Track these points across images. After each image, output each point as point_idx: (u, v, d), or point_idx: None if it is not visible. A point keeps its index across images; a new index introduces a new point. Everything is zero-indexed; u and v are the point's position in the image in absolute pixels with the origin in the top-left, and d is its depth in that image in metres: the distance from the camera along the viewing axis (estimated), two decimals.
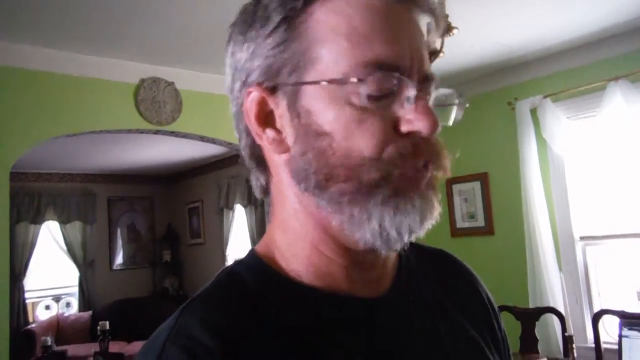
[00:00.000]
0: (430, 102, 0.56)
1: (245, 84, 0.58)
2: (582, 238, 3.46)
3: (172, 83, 3.34)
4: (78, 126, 3.06)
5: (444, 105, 0.61)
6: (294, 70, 0.54)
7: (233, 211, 6.32)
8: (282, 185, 0.59)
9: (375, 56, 0.52)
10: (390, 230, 0.52)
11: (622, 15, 2.91)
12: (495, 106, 3.85)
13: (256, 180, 0.63)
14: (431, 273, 0.69)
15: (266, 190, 0.63)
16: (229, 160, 6.26)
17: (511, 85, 3.78)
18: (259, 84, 0.56)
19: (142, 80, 3.24)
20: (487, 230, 3.88)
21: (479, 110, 3.92)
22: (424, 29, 0.57)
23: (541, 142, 3.55)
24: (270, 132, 0.57)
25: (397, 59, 0.52)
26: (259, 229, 5.76)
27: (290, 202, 0.58)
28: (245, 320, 0.53)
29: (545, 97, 3.50)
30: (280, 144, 0.56)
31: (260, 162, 0.61)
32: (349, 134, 0.52)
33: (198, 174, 7.04)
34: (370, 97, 0.52)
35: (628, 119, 3.10)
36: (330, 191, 0.53)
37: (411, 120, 0.52)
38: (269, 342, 0.52)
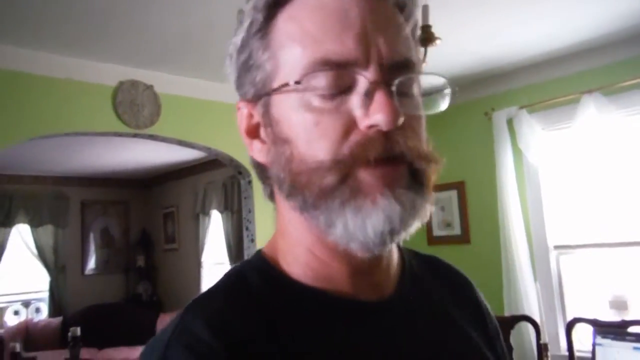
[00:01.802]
0: (394, 89, 0.51)
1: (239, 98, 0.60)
2: (556, 247, 3.52)
3: (151, 86, 3.29)
4: (54, 128, 3.00)
5: (429, 93, 0.59)
6: (266, 80, 0.55)
7: (209, 217, 6.25)
8: (277, 192, 0.60)
9: (322, 54, 0.51)
10: (357, 233, 0.51)
11: (596, 30, 2.98)
12: (473, 116, 3.90)
13: (263, 188, 0.65)
14: (432, 279, 0.69)
15: (271, 197, 0.63)
16: (206, 165, 6.21)
17: (488, 96, 3.83)
18: (246, 98, 0.58)
19: (121, 83, 3.19)
20: (464, 238, 3.92)
21: (456, 120, 3.96)
22: (389, 12, 0.55)
23: (517, 152, 3.60)
24: (257, 144, 0.58)
25: (346, 53, 0.51)
26: (235, 235, 5.71)
27: (285, 209, 0.59)
28: (250, 320, 0.53)
29: (521, 108, 3.56)
30: (266, 155, 0.57)
31: (261, 170, 0.62)
32: (308, 139, 0.52)
33: (174, 179, 6.96)
34: (325, 97, 0.51)
35: (601, 130, 3.17)
36: (298, 198, 0.53)
37: (368, 114, 0.50)
38: (273, 343, 0.52)
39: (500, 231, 3.61)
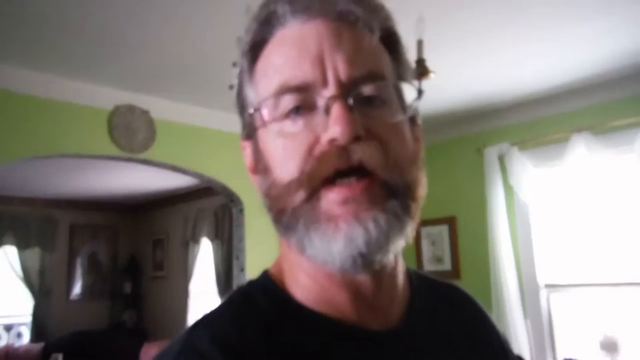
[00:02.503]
0: (351, 101, 0.51)
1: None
2: (546, 285, 3.51)
3: (148, 111, 3.31)
4: (48, 149, 2.99)
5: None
6: (252, 117, 0.58)
7: (199, 245, 6.20)
8: None
9: (281, 81, 0.54)
10: (326, 257, 0.50)
11: (585, 70, 3.04)
12: (465, 152, 3.93)
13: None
14: (444, 309, 0.68)
15: None
16: (198, 193, 6.19)
17: (480, 132, 3.87)
18: (246, 137, 0.62)
19: (117, 107, 3.20)
20: (454, 274, 3.90)
21: (448, 155, 4.00)
22: (349, 30, 0.55)
23: (508, 189, 3.62)
24: (257, 179, 0.60)
25: (302, 76, 0.53)
26: (224, 264, 5.65)
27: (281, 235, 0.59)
28: (256, 341, 0.53)
29: (512, 144, 3.60)
30: (260, 186, 0.59)
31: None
32: (280, 163, 0.54)
33: (165, 206, 6.92)
34: (293, 122, 0.53)
35: (591, 169, 3.20)
36: (279, 223, 0.55)
37: (328, 128, 0.51)
38: None
39: (490, 267, 3.60)
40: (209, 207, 6.01)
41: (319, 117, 0.52)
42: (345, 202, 0.50)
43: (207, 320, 0.56)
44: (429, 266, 4.06)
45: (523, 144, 3.56)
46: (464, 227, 3.94)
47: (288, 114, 0.53)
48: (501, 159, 3.66)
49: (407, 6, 2.03)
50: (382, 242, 0.50)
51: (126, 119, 3.21)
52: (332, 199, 0.51)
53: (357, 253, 0.49)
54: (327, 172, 0.50)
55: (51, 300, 6.51)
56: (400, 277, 0.61)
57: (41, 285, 6.44)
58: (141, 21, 2.35)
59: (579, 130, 3.26)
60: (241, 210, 3.73)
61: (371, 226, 0.49)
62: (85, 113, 3.10)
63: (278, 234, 0.60)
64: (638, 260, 3.11)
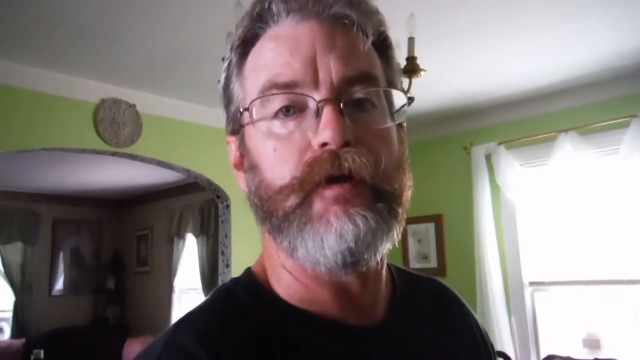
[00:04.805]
0: (342, 105, 0.51)
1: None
2: (531, 283, 3.53)
3: (134, 105, 3.26)
4: (32, 142, 2.93)
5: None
6: (239, 112, 0.58)
7: (184, 240, 6.16)
8: None
9: (270, 77, 0.53)
10: (318, 256, 0.51)
11: (572, 71, 3.06)
12: (452, 150, 3.94)
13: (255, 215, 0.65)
14: (426, 303, 0.68)
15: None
16: (183, 188, 6.14)
17: (467, 131, 3.88)
18: (231, 132, 0.61)
19: (103, 100, 3.15)
20: (440, 271, 3.91)
21: (435, 153, 4.00)
22: (343, 32, 0.55)
23: (495, 188, 3.64)
24: (241, 174, 0.60)
25: (292, 75, 0.53)
26: (209, 260, 5.62)
27: (268, 234, 0.59)
28: (240, 338, 0.52)
29: (499, 143, 3.61)
30: (245, 183, 0.59)
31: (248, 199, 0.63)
32: (270, 165, 0.53)
33: (150, 201, 6.85)
34: (282, 122, 0.53)
35: (576, 168, 3.23)
36: (267, 223, 0.55)
37: (318, 132, 0.51)
38: None
39: (476, 265, 3.61)
40: (195, 203, 5.97)
41: (309, 120, 0.52)
42: (336, 199, 0.51)
43: (191, 317, 0.55)
44: (415, 264, 4.07)
45: (510, 143, 3.58)
46: (450, 225, 3.95)
47: (277, 114, 0.53)
48: (488, 158, 3.68)
49: (396, 4, 2.02)
50: (369, 240, 0.50)
51: (112, 113, 3.16)
52: (325, 195, 0.51)
53: (346, 248, 0.50)
54: (320, 177, 0.51)
55: (33, 296, 6.42)
56: (384, 276, 0.62)
57: (23, 281, 6.35)
58: (128, 15, 2.31)
59: (565, 130, 3.28)
60: (227, 206, 3.70)
61: (360, 222, 0.50)
62: (70, 106, 3.04)
63: (263, 232, 0.60)
64: (620, 259, 3.14)
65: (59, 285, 6.77)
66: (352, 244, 0.50)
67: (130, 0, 2.19)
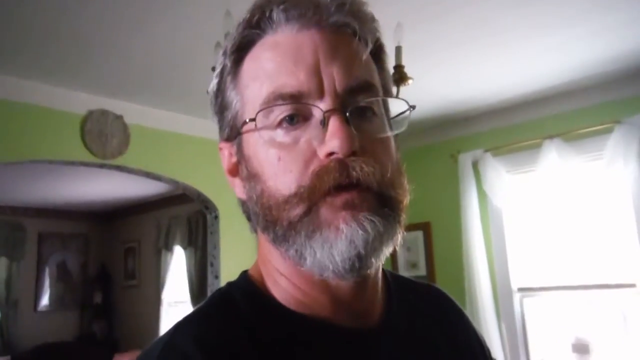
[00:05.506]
0: (348, 114, 0.52)
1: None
2: (520, 289, 3.55)
3: (121, 116, 3.24)
4: (18, 154, 2.89)
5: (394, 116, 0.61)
6: (236, 119, 0.58)
7: (172, 253, 6.11)
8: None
9: (275, 88, 0.53)
10: (327, 262, 0.51)
11: (556, 78, 3.10)
12: (439, 158, 3.96)
13: (249, 223, 0.65)
14: (422, 309, 0.69)
15: (255, 229, 0.64)
16: (171, 200, 6.10)
17: (454, 138, 3.91)
18: (224, 139, 0.61)
19: (90, 112, 3.12)
20: (429, 279, 3.91)
21: (423, 161, 4.02)
22: (344, 41, 0.56)
23: (482, 195, 3.66)
24: (237, 182, 0.60)
25: (298, 85, 0.53)
26: (198, 272, 5.57)
27: (264, 240, 0.59)
28: (237, 340, 0.53)
29: (486, 151, 3.64)
30: (244, 191, 0.59)
31: (244, 207, 0.63)
32: (274, 174, 0.53)
33: (137, 213, 6.80)
34: (286, 132, 0.53)
35: (562, 175, 3.26)
36: (271, 232, 0.55)
37: (325, 141, 0.51)
38: None
39: (464, 272, 3.63)
40: (182, 214, 5.94)
41: (314, 129, 0.53)
42: (345, 204, 0.51)
43: (189, 320, 0.56)
44: (404, 272, 4.07)
45: (496, 151, 3.61)
46: (439, 233, 3.97)
47: (281, 122, 0.53)
48: (475, 165, 3.70)
49: (383, 13, 2.03)
50: (377, 245, 0.51)
51: (99, 124, 3.13)
52: (333, 203, 0.51)
53: (355, 254, 0.50)
54: (328, 186, 0.51)
55: (18, 311, 6.32)
56: (380, 281, 0.63)
57: (8, 296, 6.25)
58: (114, 26, 2.31)
59: (550, 136, 3.32)
60: (216, 217, 3.68)
61: (369, 227, 0.51)
62: (56, 118, 3.01)
63: (259, 238, 0.60)
64: (608, 263, 3.17)
65: (45, 300, 6.67)
66: (361, 250, 0.50)
67: (118, 12, 2.19)
